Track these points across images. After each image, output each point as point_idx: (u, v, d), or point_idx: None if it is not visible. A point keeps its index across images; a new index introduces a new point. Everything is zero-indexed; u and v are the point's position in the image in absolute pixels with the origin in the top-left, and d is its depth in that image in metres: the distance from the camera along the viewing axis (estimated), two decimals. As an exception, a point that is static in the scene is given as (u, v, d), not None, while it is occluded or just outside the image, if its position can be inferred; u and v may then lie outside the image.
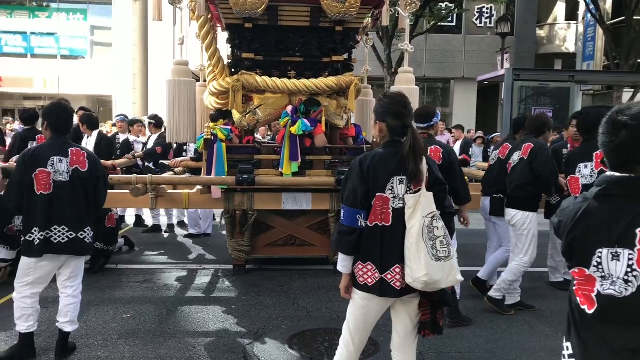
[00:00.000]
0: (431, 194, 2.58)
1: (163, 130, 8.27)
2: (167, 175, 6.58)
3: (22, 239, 3.57)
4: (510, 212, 4.76)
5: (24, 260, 3.58)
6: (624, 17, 16.36)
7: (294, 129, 5.23)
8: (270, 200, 5.43)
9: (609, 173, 1.69)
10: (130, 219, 8.55)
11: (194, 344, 4.00)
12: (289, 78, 5.58)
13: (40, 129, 6.90)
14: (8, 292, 4.69)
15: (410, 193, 2.56)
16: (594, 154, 3.96)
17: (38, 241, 3.49)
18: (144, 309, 4.73)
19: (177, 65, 5.37)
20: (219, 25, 6.59)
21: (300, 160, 5.27)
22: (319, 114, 5.45)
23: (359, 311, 2.68)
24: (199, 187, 5.53)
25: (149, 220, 8.44)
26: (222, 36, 6.96)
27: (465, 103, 21.21)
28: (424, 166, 2.61)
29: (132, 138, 8.37)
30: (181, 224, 8.43)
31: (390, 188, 2.56)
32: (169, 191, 5.56)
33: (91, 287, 5.11)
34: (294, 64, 5.70)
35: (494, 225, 5.21)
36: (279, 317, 4.58)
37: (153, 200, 5.35)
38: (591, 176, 3.97)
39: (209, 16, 5.80)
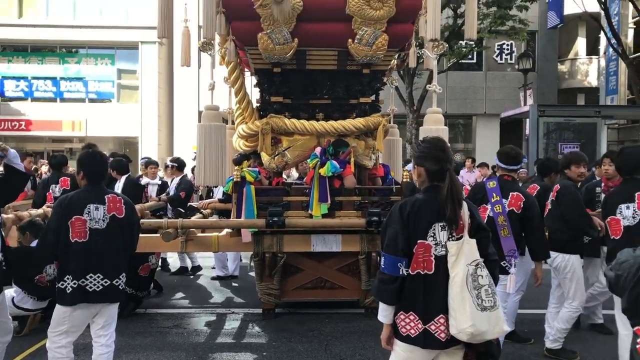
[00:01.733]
0: (474, 240, 2.52)
1: (185, 173, 8.29)
2: (196, 217, 6.59)
3: (56, 286, 3.54)
4: (550, 255, 4.62)
5: (59, 309, 3.54)
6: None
7: (323, 171, 5.22)
8: (300, 242, 5.38)
9: None
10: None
11: (227, 393, 3.92)
12: (317, 120, 5.61)
13: (65, 171, 7.06)
14: (39, 339, 4.68)
15: (453, 240, 2.50)
16: (636, 194, 3.84)
17: (70, 289, 3.46)
18: (174, 355, 4.66)
19: (208, 110, 5.42)
20: (247, 69, 6.70)
21: (329, 202, 5.24)
22: (347, 155, 5.44)
23: (402, 363, 2.59)
24: (228, 230, 5.52)
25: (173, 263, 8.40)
26: (250, 80, 7.08)
27: (488, 139, 21.10)
28: (465, 212, 2.55)
29: (144, 180, 8.07)
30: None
31: (432, 235, 2.50)
32: (199, 234, 5.56)
33: (121, 333, 5.04)
34: (322, 106, 5.74)
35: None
36: (312, 365, 4.47)
37: (183, 243, 5.36)
38: (633, 217, 3.83)
39: (238, 61, 5.90)
